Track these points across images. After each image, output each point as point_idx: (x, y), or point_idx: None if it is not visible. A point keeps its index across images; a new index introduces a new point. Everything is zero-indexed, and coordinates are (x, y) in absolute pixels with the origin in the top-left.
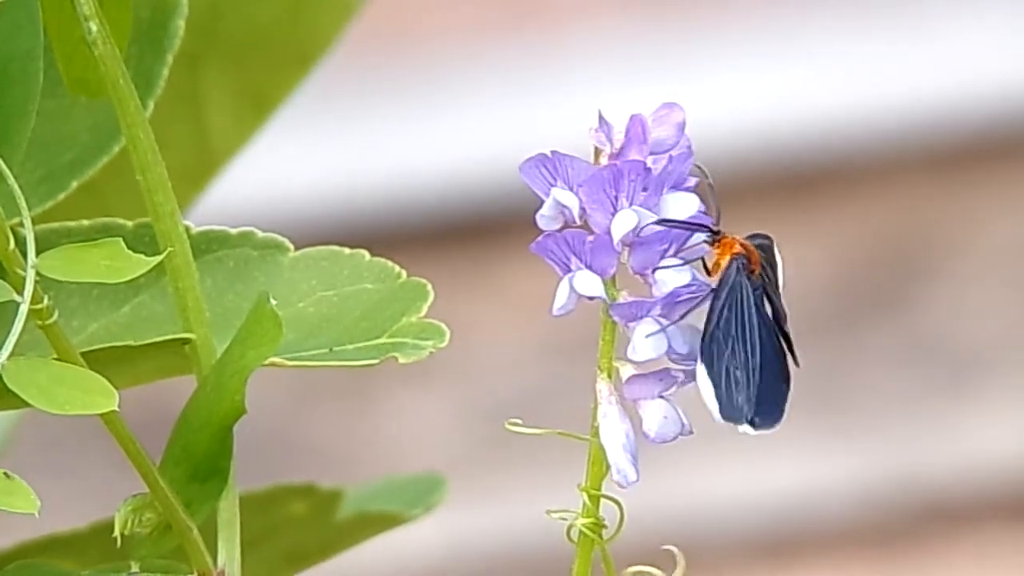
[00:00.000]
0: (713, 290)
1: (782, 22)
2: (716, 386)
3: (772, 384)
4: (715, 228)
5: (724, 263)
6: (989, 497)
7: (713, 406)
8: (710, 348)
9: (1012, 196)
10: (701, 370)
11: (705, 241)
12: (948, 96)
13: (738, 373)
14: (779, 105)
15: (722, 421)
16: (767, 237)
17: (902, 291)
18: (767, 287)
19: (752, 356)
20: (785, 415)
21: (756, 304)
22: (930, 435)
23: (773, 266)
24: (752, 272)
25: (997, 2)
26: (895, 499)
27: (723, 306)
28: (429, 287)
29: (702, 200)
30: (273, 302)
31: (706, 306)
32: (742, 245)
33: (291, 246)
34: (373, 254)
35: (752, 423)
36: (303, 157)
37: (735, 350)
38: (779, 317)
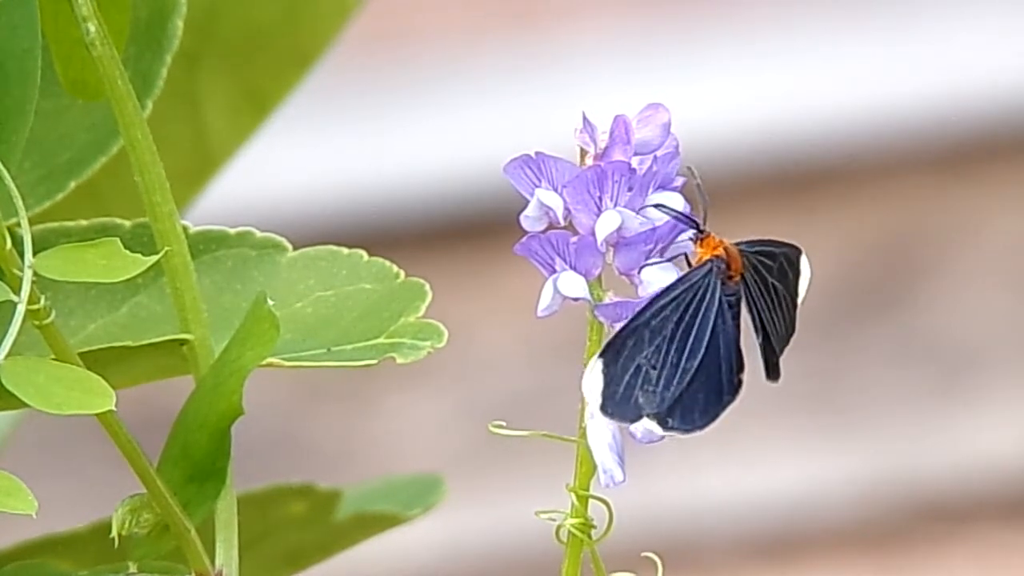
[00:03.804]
0: (667, 286)
1: (782, 22)
2: (611, 381)
3: (707, 391)
4: (701, 227)
5: (701, 262)
6: (988, 497)
7: (595, 400)
8: (622, 342)
9: (1012, 196)
10: (596, 364)
11: (690, 238)
12: (947, 96)
13: (653, 371)
14: (779, 105)
15: (601, 416)
16: (790, 246)
17: (902, 291)
18: (754, 297)
19: (688, 358)
20: (711, 424)
21: (719, 311)
22: (929, 435)
23: (791, 276)
24: (729, 278)
25: (996, 2)
26: (894, 499)
27: (669, 303)
28: (427, 287)
29: (687, 200)
30: (271, 302)
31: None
32: (726, 249)
33: (289, 246)
34: (371, 254)
35: (663, 422)
36: (301, 157)
37: (662, 348)
38: (763, 328)
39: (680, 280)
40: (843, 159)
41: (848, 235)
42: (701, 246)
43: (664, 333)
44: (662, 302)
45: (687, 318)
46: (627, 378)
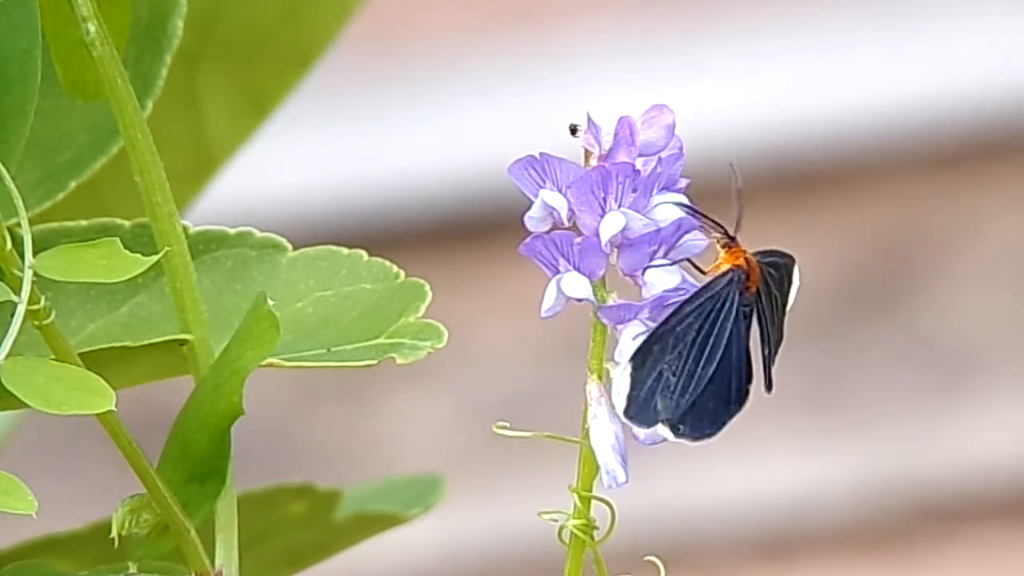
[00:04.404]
0: (692, 293)
1: (782, 22)
2: (636, 385)
3: (716, 400)
4: (731, 234)
5: (722, 271)
6: (987, 497)
7: (620, 404)
8: (649, 347)
9: (1011, 196)
10: (626, 368)
11: (719, 243)
12: (947, 96)
13: (673, 378)
14: (779, 105)
15: (624, 420)
16: (788, 256)
17: (901, 291)
18: (762, 308)
19: (704, 367)
20: (719, 433)
21: (735, 321)
22: (929, 435)
23: (785, 286)
24: (747, 289)
25: (996, 2)
26: (893, 499)
27: (693, 310)
28: (427, 287)
29: (690, 199)
30: (271, 302)
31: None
32: (747, 260)
33: (289, 246)
34: (371, 254)
35: (675, 429)
36: (301, 157)
37: (682, 355)
38: (768, 339)
39: (704, 288)
40: (843, 159)
41: (848, 235)
42: (726, 253)
43: (686, 340)
44: (688, 309)
45: (707, 326)
46: (650, 383)
